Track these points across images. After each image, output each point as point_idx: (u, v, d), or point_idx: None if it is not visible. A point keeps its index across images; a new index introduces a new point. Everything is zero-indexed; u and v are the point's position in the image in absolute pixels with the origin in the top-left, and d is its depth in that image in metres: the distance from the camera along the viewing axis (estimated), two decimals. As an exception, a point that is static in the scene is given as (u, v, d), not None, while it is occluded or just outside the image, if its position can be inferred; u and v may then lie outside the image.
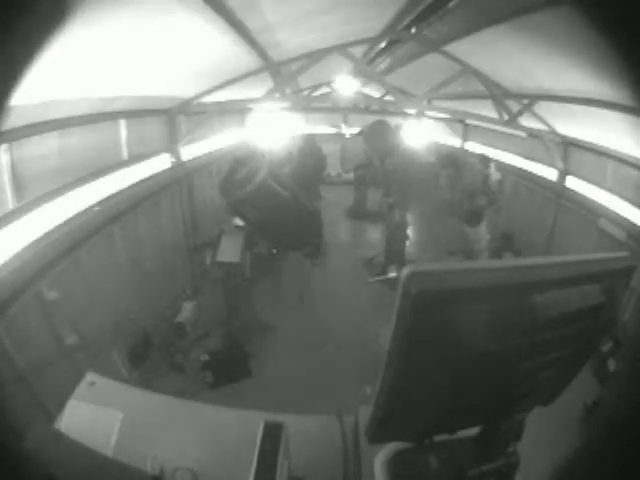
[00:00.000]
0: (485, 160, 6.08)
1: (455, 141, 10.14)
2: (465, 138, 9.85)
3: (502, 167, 6.72)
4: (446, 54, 5.22)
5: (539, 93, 5.04)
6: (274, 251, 6.18)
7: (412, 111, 8.80)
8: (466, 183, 5.89)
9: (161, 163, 5.85)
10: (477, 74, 5.47)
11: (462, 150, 9.76)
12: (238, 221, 4.94)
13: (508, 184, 7.05)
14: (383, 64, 6.74)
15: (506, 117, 5.69)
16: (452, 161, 6.70)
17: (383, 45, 5.76)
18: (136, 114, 4.93)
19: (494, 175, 5.92)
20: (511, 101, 5.64)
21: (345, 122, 11.97)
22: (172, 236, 6.05)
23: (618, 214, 5.08)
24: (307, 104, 9.26)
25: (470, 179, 5.92)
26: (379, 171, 7.15)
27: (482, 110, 5.98)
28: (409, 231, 6.94)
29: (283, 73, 5.42)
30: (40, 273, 3.35)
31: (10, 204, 3.14)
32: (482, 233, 6.15)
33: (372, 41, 5.37)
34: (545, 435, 1.55)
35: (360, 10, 4.13)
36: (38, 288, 3.32)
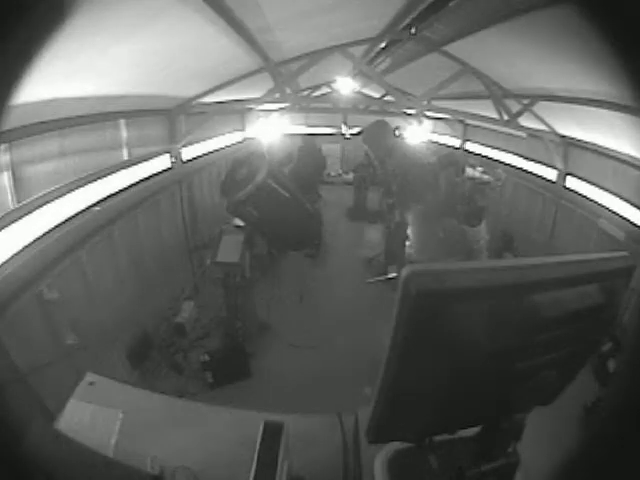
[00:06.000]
0: (458, 166, 6.10)
1: (455, 141, 10.14)
2: (465, 138, 9.85)
3: (479, 162, 6.72)
4: (446, 54, 5.22)
5: (539, 93, 5.04)
6: (273, 251, 6.19)
7: (412, 111, 8.79)
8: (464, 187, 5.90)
9: (161, 163, 5.85)
10: (477, 74, 5.47)
11: (462, 150, 9.76)
12: (238, 221, 4.94)
13: (495, 173, 6.99)
14: (383, 64, 6.73)
15: (506, 117, 5.69)
16: (452, 161, 6.70)
17: (383, 45, 5.76)
18: (136, 114, 4.93)
19: (474, 173, 5.92)
20: (511, 101, 5.63)
21: (345, 122, 11.96)
22: (172, 236, 6.05)
23: (618, 214, 5.08)
24: (307, 104, 9.25)
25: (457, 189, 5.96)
26: (379, 171, 7.15)
27: (482, 110, 5.98)
28: (409, 231, 6.94)
29: (283, 73, 5.42)
30: (40, 273, 3.35)
31: (10, 204, 3.14)
32: (482, 233, 6.14)
33: (372, 41, 5.37)
34: (545, 435, 1.55)
35: (360, 10, 4.13)
36: (38, 288, 3.32)
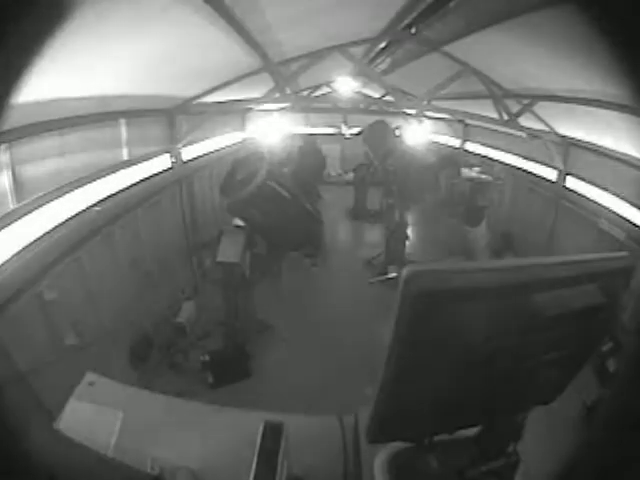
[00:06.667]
0: (456, 168, 6.11)
1: (455, 141, 10.14)
2: (465, 138, 9.85)
3: (476, 163, 6.73)
4: (446, 54, 5.22)
5: (539, 93, 5.04)
6: (273, 251, 6.19)
7: (412, 111, 8.80)
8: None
9: (161, 163, 5.85)
10: (477, 74, 5.47)
11: (462, 150, 9.77)
12: (238, 221, 4.94)
13: (494, 171, 6.99)
14: (383, 64, 6.73)
15: (506, 117, 5.69)
16: (452, 161, 6.71)
17: (383, 45, 5.76)
18: (136, 114, 4.93)
19: (470, 173, 5.93)
20: (511, 101, 5.64)
21: (345, 122, 11.96)
22: (172, 236, 6.05)
23: (618, 214, 5.08)
24: (307, 104, 9.27)
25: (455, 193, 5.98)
26: (379, 171, 7.15)
27: (482, 110, 5.98)
28: (409, 231, 6.95)
29: (283, 73, 5.42)
30: (40, 273, 3.35)
31: (10, 204, 3.14)
32: (482, 233, 6.16)
33: (372, 41, 5.37)
34: (545, 435, 1.55)
35: (360, 10, 4.13)
36: (38, 288, 3.32)
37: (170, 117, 5.84)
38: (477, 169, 6.09)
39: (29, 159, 3.32)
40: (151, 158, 5.55)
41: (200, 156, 7.26)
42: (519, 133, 6.92)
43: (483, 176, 5.99)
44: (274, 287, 6.12)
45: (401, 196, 6.66)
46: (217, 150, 8.18)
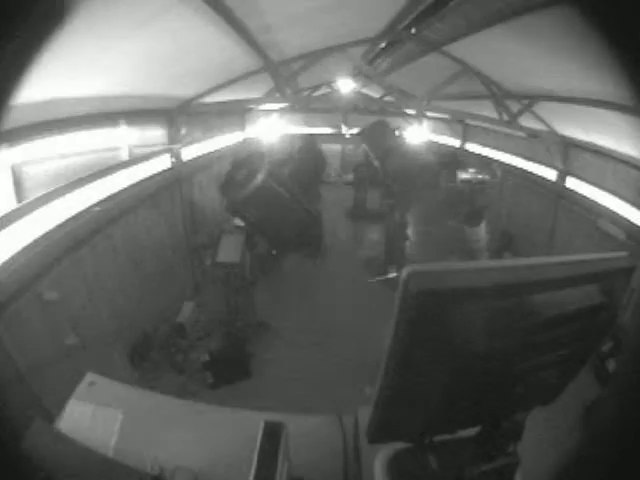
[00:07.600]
0: (452, 171, 6.11)
1: (455, 141, 10.14)
2: (465, 138, 9.85)
3: (472, 164, 6.74)
4: (446, 54, 5.22)
5: (539, 93, 5.04)
6: (274, 252, 6.20)
7: (412, 111, 8.79)
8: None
9: (161, 163, 5.85)
10: (477, 74, 5.47)
11: (462, 150, 9.76)
12: (238, 221, 4.94)
13: (490, 170, 6.97)
14: (383, 64, 6.73)
15: (506, 117, 5.69)
16: (452, 161, 6.70)
17: (383, 45, 5.76)
18: (136, 114, 4.93)
19: (466, 175, 5.94)
20: (511, 101, 5.64)
21: (345, 122, 11.96)
22: (172, 236, 6.05)
23: (618, 214, 5.08)
24: (307, 104, 9.25)
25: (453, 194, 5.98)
26: (379, 171, 7.15)
27: (482, 110, 5.98)
28: (409, 231, 6.94)
29: (283, 73, 5.42)
30: (40, 273, 3.35)
31: (10, 204, 3.14)
32: (482, 233, 6.14)
33: (372, 41, 5.37)
34: (545, 435, 1.55)
35: (360, 10, 4.13)
36: (38, 288, 3.32)
37: (170, 117, 5.84)
38: (473, 169, 6.10)
39: (29, 159, 3.32)
40: (151, 158, 5.55)
41: (200, 156, 7.26)
42: (519, 133, 6.92)
43: (480, 176, 5.99)
44: (274, 287, 6.13)
45: (401, 196, 6.66)
46: (217, 150, 8.17)
